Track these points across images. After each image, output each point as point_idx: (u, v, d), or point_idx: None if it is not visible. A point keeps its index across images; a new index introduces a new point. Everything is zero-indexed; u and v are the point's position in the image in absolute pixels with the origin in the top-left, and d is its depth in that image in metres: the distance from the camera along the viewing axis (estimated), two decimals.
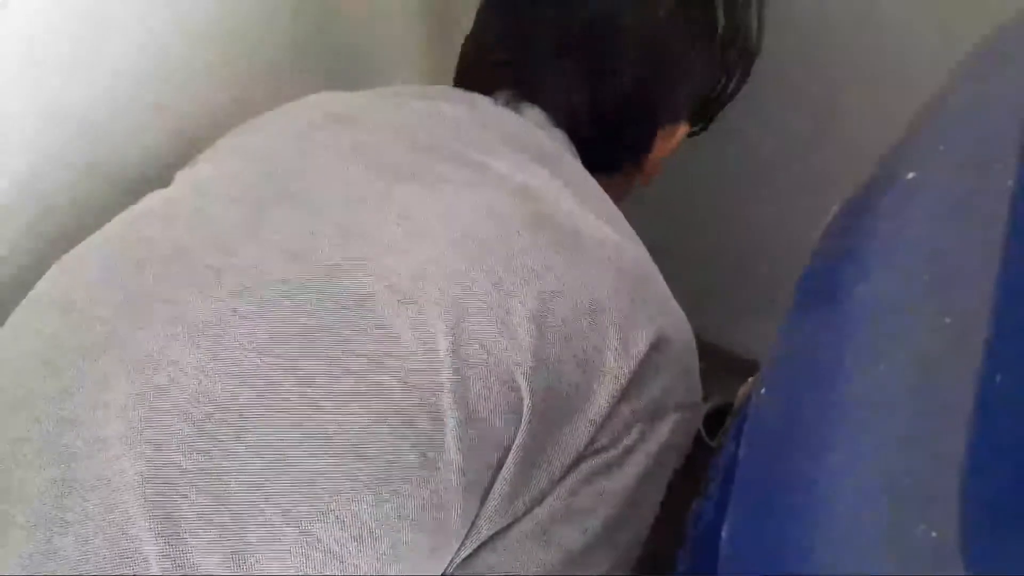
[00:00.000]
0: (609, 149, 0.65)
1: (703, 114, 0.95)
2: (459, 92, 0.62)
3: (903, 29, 0.88)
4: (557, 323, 0.48)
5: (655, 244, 1.13)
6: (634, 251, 0.56)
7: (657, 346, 0.51)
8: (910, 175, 0.34)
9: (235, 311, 0.45)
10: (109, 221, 0.54)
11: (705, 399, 1.32)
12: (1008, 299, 0.26)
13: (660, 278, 0.57)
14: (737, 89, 0.92)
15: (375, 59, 0.87)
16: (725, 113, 0.94)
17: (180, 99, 0.66)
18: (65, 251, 0.52)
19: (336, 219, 0.49)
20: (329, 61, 0.81)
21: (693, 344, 0.56)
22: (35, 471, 0.42)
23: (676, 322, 0.55)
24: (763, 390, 0.34)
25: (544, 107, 0.61)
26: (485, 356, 0.46)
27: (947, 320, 0.28)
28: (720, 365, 1.36)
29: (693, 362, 0.56)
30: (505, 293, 0.47)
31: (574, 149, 0.62)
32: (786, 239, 1.08)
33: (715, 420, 1.07)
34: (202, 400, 0.43)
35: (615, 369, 0.49)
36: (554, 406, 0.47)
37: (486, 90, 0.61)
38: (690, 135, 0.97)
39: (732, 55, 0.89)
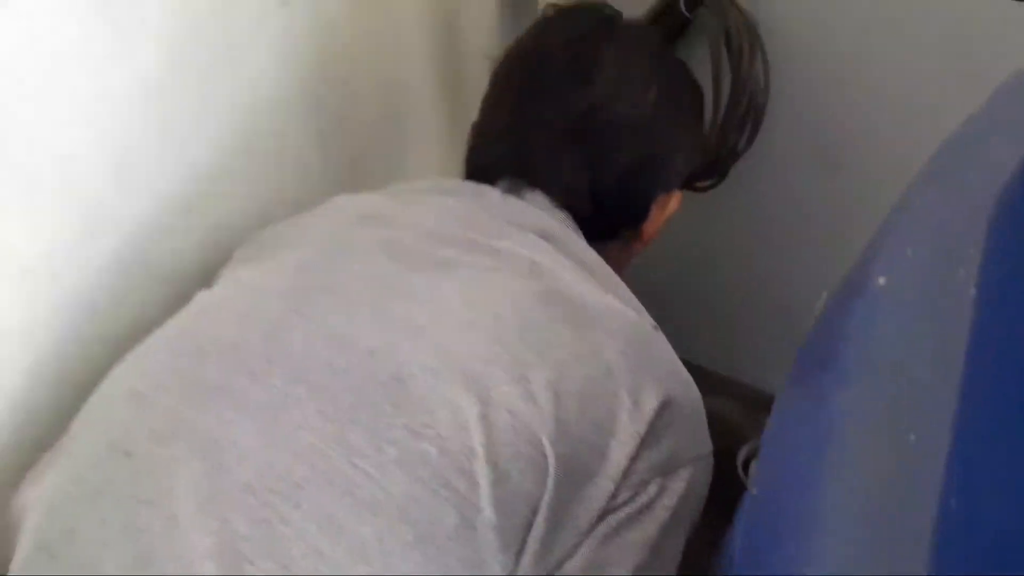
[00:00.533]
0: (608, 222, 0.69)
1: (718, 169, 0.97)
2: (467, 184, 0.67)
3: (910, 80, 0.89)
4: (573, 389, 0.52)
5: (689, 289, 1.16)
6: (637, 319, 0.61)
7: (666, 405, 0.55)
8: (881, 280, 0.36)
9: (287, 395, 0.50)
10: (145, 315, 0.61)
11: (743, 441, 1.31)
12: (966, 420, 0.28)
13: (664, 341, 0.62)
14: (749, 143, 0.95)
15: (393, 149, 0.92)
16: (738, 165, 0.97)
17: (212, 201, 0.71)
18: (105, 347, 0.58)
19: (370, 308, 0.55)
20: (352, 152, 0.87)
21: (700, 401, 0.61)
22: (118, 550, 0.46)
23: (682, 381, 0.59)
24: (754, 489, 0.37)
25: (546, 191, 0.66)
26: (512, 421, 0.50)
27: (912, 438, 0.30)
28: (760, 406, 1.36)
29: (701, 418, 0.61)
30: (524, 364, 0.52)
31: (576, 226, 0.67)
32: (811, 281, 1.09)
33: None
34: (264, 476, 0.47)
35: (629, 429, 0.53)
36: (576, 466, 0.51)
37: (492, 177, 0.67)
38: (707, 188, 0.99)
39: (740, 112, 0.92)
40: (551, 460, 0.50)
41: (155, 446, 0.49)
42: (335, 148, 0.85)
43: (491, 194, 0.65)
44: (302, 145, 0.81)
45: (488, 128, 0.70)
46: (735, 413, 1.33)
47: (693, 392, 0.60)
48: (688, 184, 0.99)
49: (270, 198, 0.78)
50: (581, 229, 0.67)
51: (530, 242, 0.61)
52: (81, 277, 0.61)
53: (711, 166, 0.97)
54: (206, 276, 0.73)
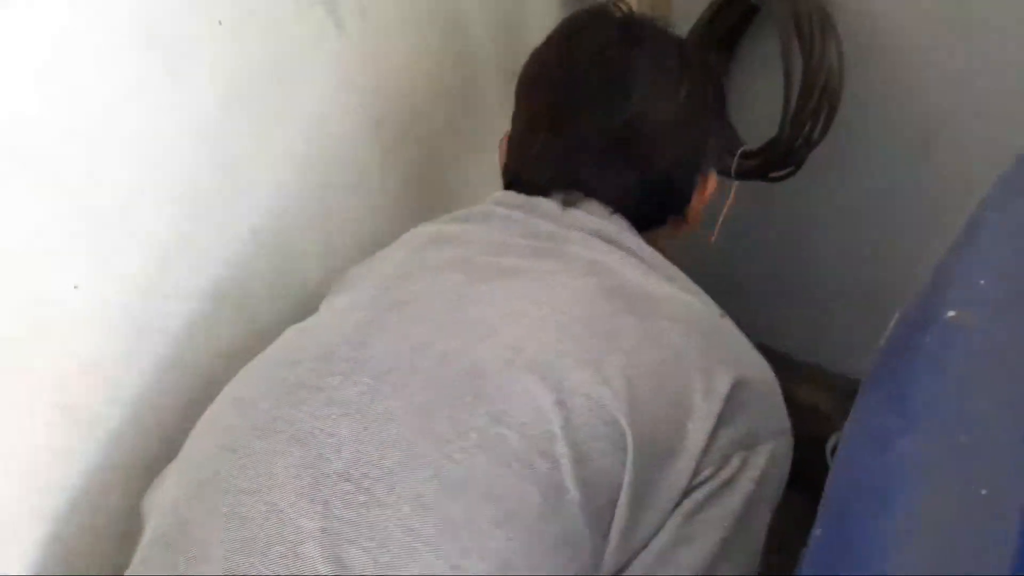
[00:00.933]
0: (656, 213, 0.72)
1: (793, 159, 0.93)
2: (526, 199, 0.69)
3: (998, 55, 0.83)
4: (645, 374, 0.55)
5: (775, 278, 1.13)
6: (702, 307, 0.64)
7: (740, 385, 0.57)
8: (950, 313, 0.33)
9: (375, 391, 0.54)
10: (218, 339, 0.66)
11: (832, 429, 1.28)
12: None
13: (733, 327, 0.64)
14: (824, 132, 0.90)
15: (453, 160, 0.92)
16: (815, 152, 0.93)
17: (275, 225, 0.73)
18: (181, 372, 0.61)
19: (444, 316, 0.58)
20: (414, 166, 0.88)
21: (775, 381, 0.62)
22: (225, 535, 0.50)
23: (754, 362, 0.62)
24: (818, 530, 0.35)
25: (598, 198, 0.68)
26: (588, 404, 0.53)
27: (983, 492, 0.28)
28: (848, 394, 1.31)
29: (778, 396, 0.62)
30: (595, 353, 0.55)
31: (630, 225, 0.69)
32: (900, 268, 1.04)
33: None
34: (358, 463, 0.51)
35: (704, 408, 0.55)
36: (655, 445, 0.53)
37: (543, 192, 0.69)
38: (782, 178, 0.96)
39: (813, 100, 0.88)
40: (629, 440, 0.52)
41: (256, 441, 0.53)
42: (397, 163, 0.85)
43: (547, 205, 0.68)
44: (365, 163, 0.82)
45: (528, 149, 0.72)
46: (823, 402, 1.29)
47: (767, 372, 0.62)
48: (763, 175, 0.96)
49: (334, 218, 0.80)
50: (634, 224, 0.69)
51: (590, 244, 0.64)
52: (152, 308, 0.63)
53: (786, 156, 0.93)
54: (274, 298, 0.75)
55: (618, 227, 0.67)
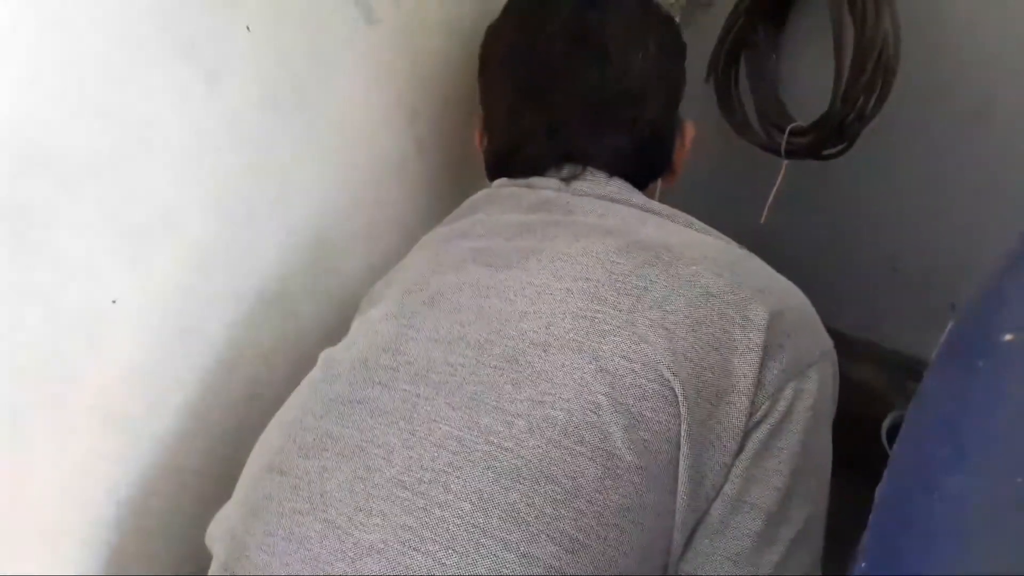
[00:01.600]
0: (651, 169, 0.74)
1: (846, 135, 0.90)
2: (531, 179, 0.70)
3: None
4: (679, 320, 0.54)
5: (829, 253, 1.10)
6: (723, 244, 0.63)
7: (777, 315, 0.56)
8: (1007, 337, 0.31)
9: (417, 395, 0.54)
10: (258, 338, 0.68)
11: (887, 407, 1.25)
12: None
13: (755, 259, 0.63)
14: (879, 106, 0.86)
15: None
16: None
17: (314, 222, 0.74)
18: (225, 371, 0.62)
19: (471, 309, 0.58)
20: (449, 156, 0.87)
21: (808, 304, 0.62)
22: (285, 558, 0.51)
23: (786, 289, 0.61)
24: (863, 563, 0.33)
25: (595, 166, 0.69)
26: (629, 364, 0.52)
27: None
28: (903, 370, 1.27)
29: (815, 319, 0.61)
30: (625, 311, 0.55)
31: (631, 186, 0.70)
32: (956, 243, 1.00)
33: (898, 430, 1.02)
34: (411, 469, 0.51)
35: (746, 342, 0.55)
36: (704, 389, 0.53)
37: (542, 170, 0.70)
38: (836, 155, 0.92)
39: (866, 74, 0.84)
40: (678, 389, 0.52)
41: (304, 460, 0.54)
42: (434, 153, 0.84)
43: (547, 181, 0.69)
44: (402, 154, 0.81)
45: (516, 128, 0.71)
46: (878, 379, 1.26)
47: (801, 298, 0.62)
48: (815, 153, 0.93)
49: (373, 212, 0.79)
50: (633, 183, 0.70)
51: (599, 208, 0.65)
52: (193, 313, 0.64)
53: (838, 133, 0.90)
54: (315, 296, 0.75)
55: (620, 188, 0.68)
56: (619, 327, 0.54)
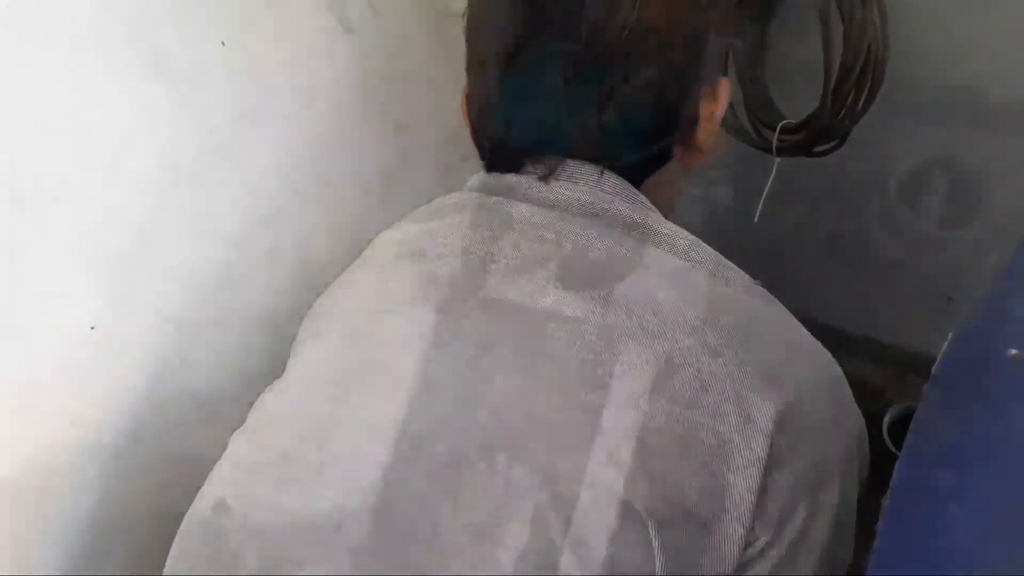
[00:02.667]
0: (658, 147, 0.57)
1: (836, 132, 0.88)
2: (496, 179, 0.57)
3: None
4: (660, 424, 0.44)
5: (819, 244, 1.09)
6: (725, 292, 0.50)
7: (790, 410, 0.45)
8: (1012, 351, 0.30)
9: (343, 511, 0.46)
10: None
11: (886, 403, 1.24)
12: None
13: (772, 308, 0.51)
14: (869, 103, 0.85)
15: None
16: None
17: (288, 240, 0.72)
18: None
19: (417, 380, 0.49)
20: (436, 164, 0.85)
21: (837, 377, 0.50)
22: None
23: (807, 362, 0.49)
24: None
25: (578, 154, 0.55)
26: (593, 493, 0.43)
27: None
28: (901, 364, 1.26)
29: (844, 399, 0.50)
30: (591, 412, 0.45)
31: (624, 182, 0.55)
32: (953, 238, 0.99)
33: (901, 426, 1.01)
34: None
35: (745, 451, 0.44)
36: (688, 518, 0.43)
37: (519, 161, 0.57)
38: (826, 153, 0.91)
39: (856, 71, 0.82)
40: (652, 527, 0.42)
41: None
42: (422, 165, 0.83)
43: (526, 184, 0.55)
44: (388, 167, 0.80)
45: (482, 95, 0.58)
46: (875, 375, 1.25)
47: (823, 372, 0.49)
48: (806, 150, 0.91)
49: (358, 227, 0.78)
50: (631, 173, 0.56)
51: (580, 238, 0.51)
52: (173, 340, 0.63)
53: (829, 130, 0.88)
54: (301, 316, 0.74)
55: (612, 192, 0.54)
56: (585, 441, 0.44)
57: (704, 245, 0.53)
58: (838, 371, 0.50)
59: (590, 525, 0.42)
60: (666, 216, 0.56)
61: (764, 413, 0.44)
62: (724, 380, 0.45)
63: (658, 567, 0.42)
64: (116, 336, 0.57)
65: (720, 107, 0.59)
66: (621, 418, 0.44)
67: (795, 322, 0.52)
